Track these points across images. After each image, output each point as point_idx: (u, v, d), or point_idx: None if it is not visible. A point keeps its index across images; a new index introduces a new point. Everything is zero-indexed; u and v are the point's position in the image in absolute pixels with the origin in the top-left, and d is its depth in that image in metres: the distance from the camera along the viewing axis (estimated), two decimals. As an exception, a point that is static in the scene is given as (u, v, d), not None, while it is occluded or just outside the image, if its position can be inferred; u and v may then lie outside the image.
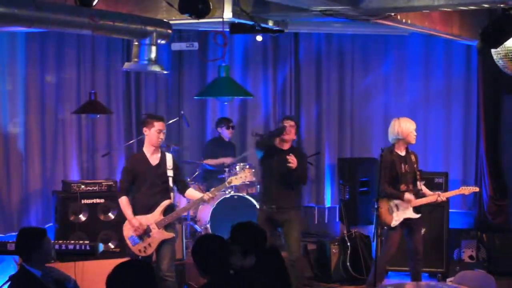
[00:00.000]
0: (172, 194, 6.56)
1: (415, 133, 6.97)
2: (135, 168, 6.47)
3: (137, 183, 6.45)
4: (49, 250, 4.98)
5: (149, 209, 6.42)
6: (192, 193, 6.69)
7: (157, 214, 6.40)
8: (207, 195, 6.52)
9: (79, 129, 8.42)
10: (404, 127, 6.91)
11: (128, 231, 6.43)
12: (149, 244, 6.40)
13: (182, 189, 6.68)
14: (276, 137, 7.06)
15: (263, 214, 7.06)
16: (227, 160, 8.72)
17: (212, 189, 6.68)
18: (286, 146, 7.01)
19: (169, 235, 6.44)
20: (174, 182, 6.55)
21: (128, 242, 6.44)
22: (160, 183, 6.46)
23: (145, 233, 6.37)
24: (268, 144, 7.04)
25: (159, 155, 6.51)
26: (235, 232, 4.57)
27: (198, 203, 6.80)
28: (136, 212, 6.40)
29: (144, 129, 6.48)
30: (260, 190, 7.33)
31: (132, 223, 6.36)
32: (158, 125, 6.41)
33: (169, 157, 6.56)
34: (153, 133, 6.42)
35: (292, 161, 6.74)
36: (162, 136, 6.44)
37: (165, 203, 6.43)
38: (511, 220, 9.02)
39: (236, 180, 6.90)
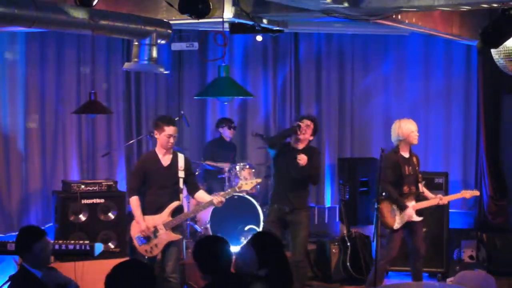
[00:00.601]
0: (181, 195, 6.52)
1: (416, 134, 6.98)
2: (146, 168, 6.45)
3: (147, 183, 6.42)
4: (42, 253, 4.84)
5: (157, 210, 6.39)
6: (202, 195, 6.61)
7: (165, 215, 6.38)
8: (216, 199, 6.45)
9: (79, 129, 8.40)
10: (405, 128, 6.92)
11: (135, 231, 6.41)
12: (156, 245, 6.39)
13: (192, 191, 6.64)
14: (286, 136, 7.00)
15: (274, 213, 6.96)
16: (226, 166, 8.65)
17: (222, 192, 6.64)
18: (301, 146, 6.90)
19: (176, 236, 6.41)
20: (184, 182, 6.52)
21: (135, 241, 6.43)
22: (170, 184, 6.43)
23: (152, 234, 6.36)
24: (276, 143, 6.98)
25: (171, 156, 6.48)
26: (257, 241, 4.44)
27: (207, 206, 6.70)
28: (144, 212, 6.39)
29: (155, 132, 6.46)
30: (272, 189, 7.24)
31: (140, 225, 6.35)
32: (168, 130, 6.36)
33: (181, 157, 6.52)
34: (163, 138, 6.39)
35: (301, 158, 6.68)
36: (172, 140, 6.39)
37: (174, 204, 6.40)
38: (511, 220, 9.02)
39: (246, 186, 6.82)
